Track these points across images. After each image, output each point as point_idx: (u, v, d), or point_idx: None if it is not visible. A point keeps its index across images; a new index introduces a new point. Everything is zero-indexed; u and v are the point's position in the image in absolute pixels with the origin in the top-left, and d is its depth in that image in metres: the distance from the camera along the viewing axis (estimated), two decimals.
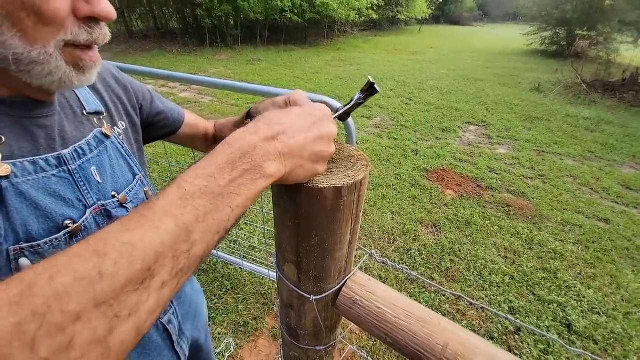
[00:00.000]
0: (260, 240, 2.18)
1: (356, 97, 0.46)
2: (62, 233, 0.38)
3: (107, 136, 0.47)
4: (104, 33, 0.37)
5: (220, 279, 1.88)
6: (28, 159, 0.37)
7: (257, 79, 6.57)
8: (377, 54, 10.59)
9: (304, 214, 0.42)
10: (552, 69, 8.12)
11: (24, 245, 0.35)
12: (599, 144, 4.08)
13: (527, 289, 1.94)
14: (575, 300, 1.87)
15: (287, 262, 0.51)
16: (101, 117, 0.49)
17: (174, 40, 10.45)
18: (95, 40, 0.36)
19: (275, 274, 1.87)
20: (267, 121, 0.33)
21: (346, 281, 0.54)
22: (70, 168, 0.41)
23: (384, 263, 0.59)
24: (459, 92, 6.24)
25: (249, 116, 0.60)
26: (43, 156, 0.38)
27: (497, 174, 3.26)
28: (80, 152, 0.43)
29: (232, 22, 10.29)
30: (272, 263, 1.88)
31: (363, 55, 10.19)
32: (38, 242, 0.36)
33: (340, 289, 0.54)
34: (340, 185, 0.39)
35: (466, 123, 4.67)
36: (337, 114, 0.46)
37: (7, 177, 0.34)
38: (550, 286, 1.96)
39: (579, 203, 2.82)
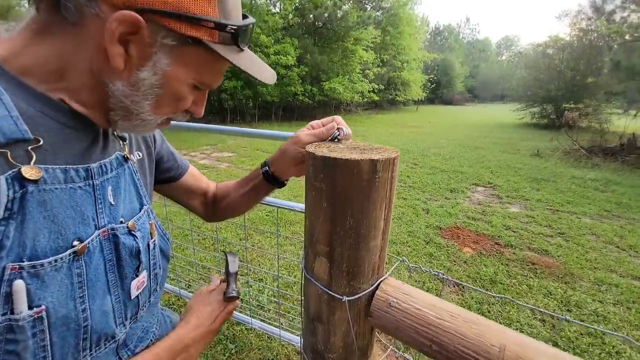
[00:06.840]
0: (270, 299, 2.03)
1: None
2: (67, 252, 0.36)
3: (126, 160, 0.48)
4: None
5: (224, 342, 1.70)
6: (60, 166, 0.36)
7: (271, 149, 7.04)
8: (380, 128, 11.46)
9: (339, 191, 0.43)
10: (547, 138, 8.55)
11: (25, 263, 0.32)
12: (612, 203, 4.01)
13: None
14: None
15: (318, 256, 0.49)
16: (124, 142, 0.50)
17: (198, 119, 11.66)
18: (177, 118, 0.48)
19: (286, 334, 1.68)
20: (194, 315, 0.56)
21: (380, 283, 0.51)
22: (94, 182, 0.40)
23: (417, 268, 0.56)
24: (461, 157, 6.50)
25: (266, 165, 0.65)
26: (75, 166, 0.38)
27: (514, 231, 3.15)
28: (104, 168, 0.43)
29: (250, 104, 11.59)
30: (281, 323, 1.72)
31: (367, 129, 11.03)
32: (41, 261, 0.33)
33: (374, 292, 0.50)
34: (375, 159, 0.41)
35: (473, 184, 4.73)
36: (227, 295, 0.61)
37: (36, 181, 0.33)
38: (600, 353, 1.70)
39: (609, 261, 2.64)
